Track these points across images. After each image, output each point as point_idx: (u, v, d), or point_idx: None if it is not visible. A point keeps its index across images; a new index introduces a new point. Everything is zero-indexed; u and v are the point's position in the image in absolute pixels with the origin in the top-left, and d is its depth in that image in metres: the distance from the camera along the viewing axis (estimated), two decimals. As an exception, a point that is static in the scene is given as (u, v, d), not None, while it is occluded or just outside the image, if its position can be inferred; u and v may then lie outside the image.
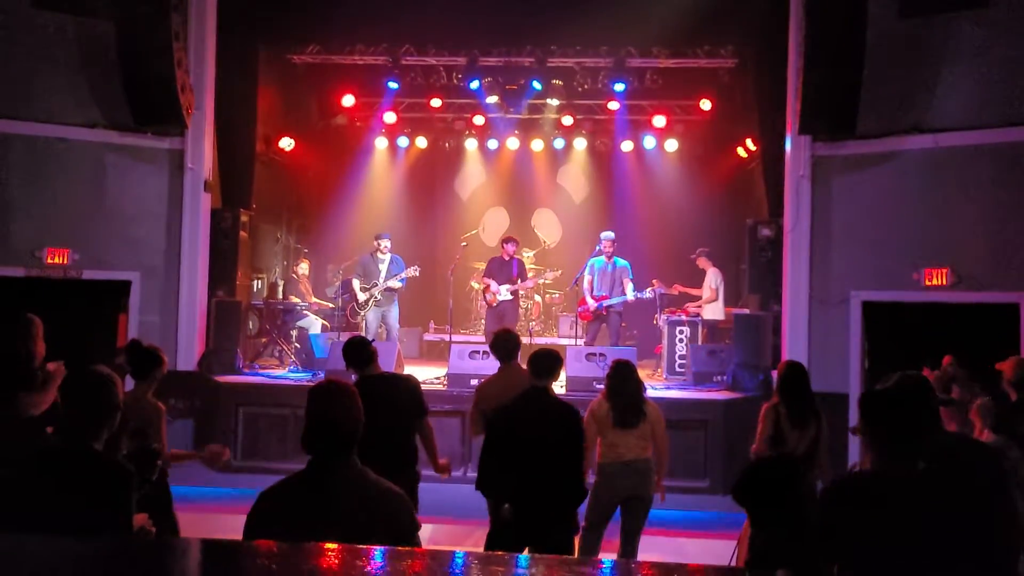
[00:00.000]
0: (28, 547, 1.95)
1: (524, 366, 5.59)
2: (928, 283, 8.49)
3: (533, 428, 4.77)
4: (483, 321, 12.21)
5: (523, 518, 4.73)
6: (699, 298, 11.30)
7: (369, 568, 1.92)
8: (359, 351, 5.42)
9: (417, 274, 10.80)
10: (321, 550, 2.00)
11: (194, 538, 2.05)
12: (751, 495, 3.04)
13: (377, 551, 2.00)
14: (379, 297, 10.69)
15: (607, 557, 5.49)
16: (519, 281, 10.95)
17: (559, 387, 9.02)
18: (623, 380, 5.62)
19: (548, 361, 5.06)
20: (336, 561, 1.96)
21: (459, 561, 1.98)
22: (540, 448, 4.72)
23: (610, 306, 10.35)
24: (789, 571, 2.42)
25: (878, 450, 2.91)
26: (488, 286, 10.92)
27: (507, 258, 11.01)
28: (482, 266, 12.34)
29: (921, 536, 2.69)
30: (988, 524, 3.04)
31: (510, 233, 14.24)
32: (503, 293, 10.82)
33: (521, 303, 12.93)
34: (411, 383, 5.53)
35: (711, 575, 1.96)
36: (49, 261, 9.25)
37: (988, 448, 4.15)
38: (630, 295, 10.28)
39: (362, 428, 2.82)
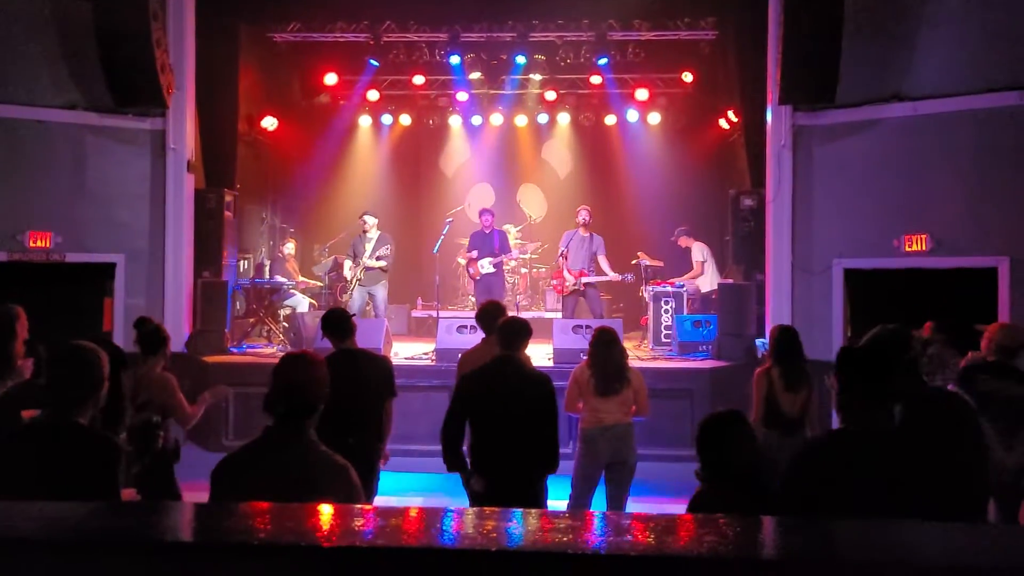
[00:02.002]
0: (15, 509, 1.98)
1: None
2: (908, 249, 8.58)
3: (501, 398, 4.66)
4: (472, 297, 12.22)
5: (494, 489, 4.62)
6: (695, 277, 11.37)
7: (362, 526, 1.96)
8: (339, 322, 5.45)
9: (388, 251, 10.70)
10: (313, 510, 2.05)
11: (183, 501, 2.09)
12: (700, 444, 3.25)
13: (369, 508, 2.05)
14: (361, 276, 10.68)
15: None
16: (501, 254, 10.88)
17: (547, 358, 9.10)
18: (606, 347, 5.68)
19: (515, 329, 4.95)
20: (329, 520, 2.00)
21: (451, 516, 2.03)
22: (508, 418, 4.62)
23: (586, 281, 10.43)
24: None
25: (849, 407, 2.97)
26: (472, 260, 10.87)
27: (487, 230, 10.94)
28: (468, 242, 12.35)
29: (889, 493, 2.75)
30: (960, 476, 3.12)
31: (496, 209, 14.27)
32: (486, 266, 10.75)
33: (508, 277, 12.95)
34: (386, 362, 5.62)
35: (699, 524, 2.02)
36: (32, 245, 9.21)
37: (964, 401, 4.24)
38: (611, 275, 10.35)
39: (325, 399, 2.91)
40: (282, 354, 3.17)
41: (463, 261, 12.01)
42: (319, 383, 2.91)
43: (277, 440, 2.82)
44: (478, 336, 8.90)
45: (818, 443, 3.10)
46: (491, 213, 11.25)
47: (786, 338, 5.63)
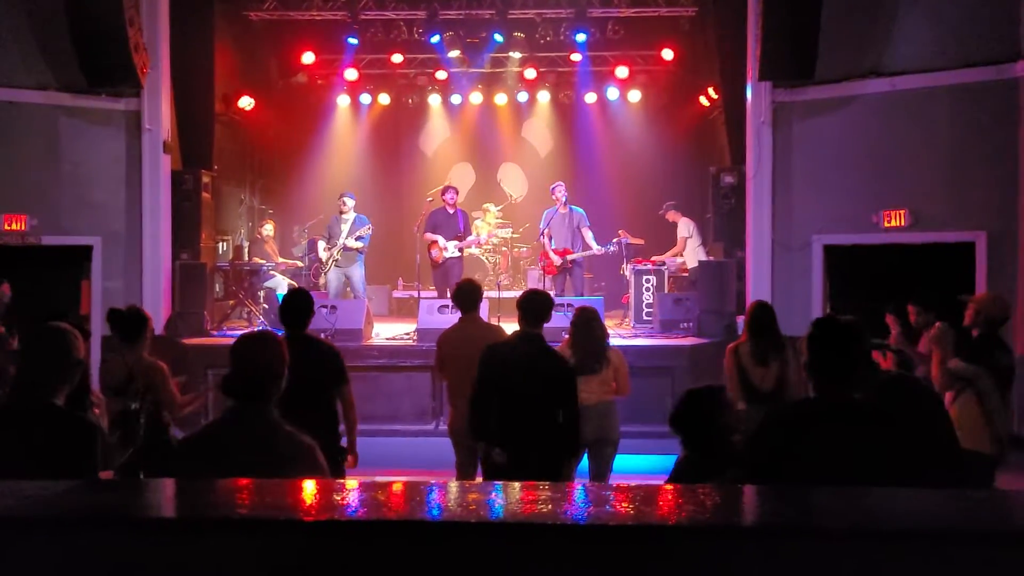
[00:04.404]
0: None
1: (484, 317, 5.57)
2: (887, 225, 8.65)
3: (525, 375, 4.64)
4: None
5: (514, 465, 4.59)
6: (677, 254, 11.41)
7: (343, 500, 1.97)
8: (306, 307, 4.88)
9: (369, 232, 10.52)
10: (296, 486, 2.05)
11: (165, 478, 2.09)
12: (680, 421, 3.30)
13: (352, 483, 2.05)
14: (338, 257, 10.58)
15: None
16: (466, 236, 10.52)
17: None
18: (587, 326, 5.69)
19: (538, 303, 4.87)
20: (312, 496, 2.00)
21: (435, 490, 2.03)
22: (531, 396, 4.61)
23: (573, 259, 10.42)
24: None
25: (818, 377, 2.99)
26: (435, 242, 10.47)
27: (451, 210, 10.57)
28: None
29: (848, 456, 2.78)
30: (920, 450, 3.16)
31: (477, 188, 14.23)
32: (451, 250, 10.40)
33: (489, 257, 12.93)
34: (334, 348, 5.07)
35: (678, 494, 2.03)
36: (6, 228, 9.10)
37: (923, 383, 4.33)
38: (596, 248, 10.37)
39: (283, 379, 2.83)
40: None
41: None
42: (280, 362, 2.84)
43: (240, 421, 2.75)
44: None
45: (780, 410, 3.14)
46: (455, 191, 10.85)
47: (759, 313, 5.67)
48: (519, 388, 4.63)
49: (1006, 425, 4.87)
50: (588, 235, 10.41)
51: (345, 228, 10.53)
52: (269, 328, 4.96)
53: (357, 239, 10.47)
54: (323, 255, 10.68)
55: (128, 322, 4.96)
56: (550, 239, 10.56)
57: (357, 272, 10.69)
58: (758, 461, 2.86)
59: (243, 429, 2.73)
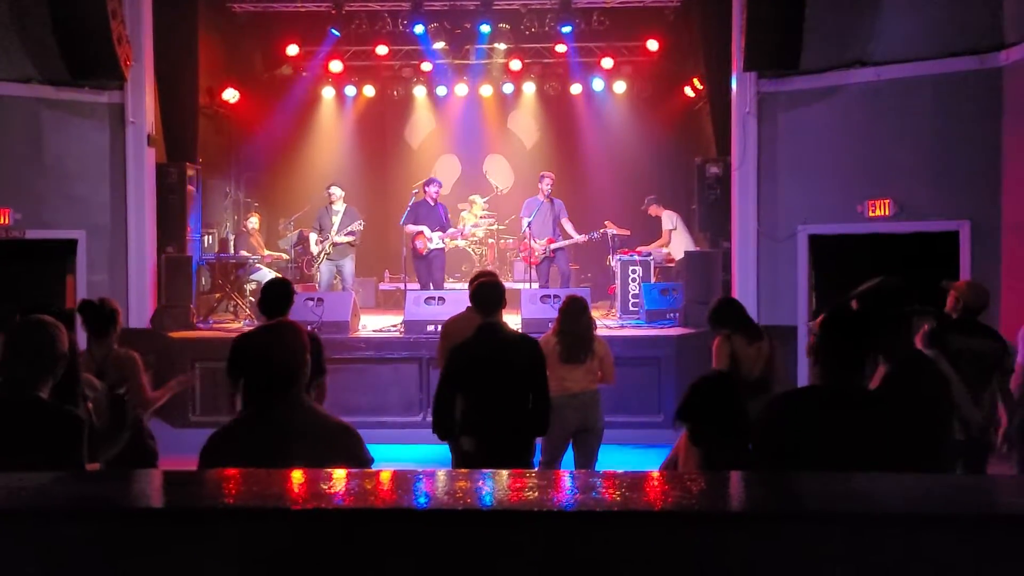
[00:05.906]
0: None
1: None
2: (871, 214, 8.69)
3: (490, 367, 4.65)
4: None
5: (486, 453, 4.61)
6: (663, 245, 11.46)
7: (330, 489, 1.97)
8: (284, 295, 4.98)
9: (361, 228, 10.59)
10: (284, 475, 2.05)
11: (155, 469, 2.08)
12: (692, 412, 3.22)
13: (340, 473, 2.05)
14: (330, 251, 10.57)
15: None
16: (450, 228, 10.48)
17: (515, 329, 9.11)
18: (574, 316, 5.71)
19: (488, 295, 4.88)
20: (300, 485, 2.00)
21: (424, 479, 2.04)
22: (499, 388, 4.64)
23: (557, 248, 10.46)
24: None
25: (825, 366, 3.01)
26: (421, 232, 10.44)
27: (432, 203, 10.58)
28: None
29: (858, 449, 2.80)
30: (929, 439, 3.19)
31: (463, 180, 14.21)
32: (436, 241, 10.40)
33: (475, 249, 12.93)
34: (318, 338, 5.12)
35: (664, 481, 2.05)
36: (-10, 222, 9.04)
37: (938, 367, 4.35)
38: (579, 236, 10.42)
39: (303, 365, 2.76)
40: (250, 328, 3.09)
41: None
42: (295, 349, 2.78)
43: (269, 411, 2.69)
44: (446, 308, 8.96)
45: (789, 397, 3.15)
46: (438, 184, 10.88)
47: (736, 305, 5.84)
48: (487, 382, 4.64)
49: (978, 409, 4.88)
50: (567, 226, 10.48)
51: (336, 220, 10.54)
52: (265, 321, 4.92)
53: (348, 234, 10.47)
54: (315, 248, 10.70)
55: (98, 314, 4.89)
56: (532, 229, 10.59)
57: (348, 265, 10.75)
58: (769, 451, 2.87)
59: (275, 419, 2.67)
